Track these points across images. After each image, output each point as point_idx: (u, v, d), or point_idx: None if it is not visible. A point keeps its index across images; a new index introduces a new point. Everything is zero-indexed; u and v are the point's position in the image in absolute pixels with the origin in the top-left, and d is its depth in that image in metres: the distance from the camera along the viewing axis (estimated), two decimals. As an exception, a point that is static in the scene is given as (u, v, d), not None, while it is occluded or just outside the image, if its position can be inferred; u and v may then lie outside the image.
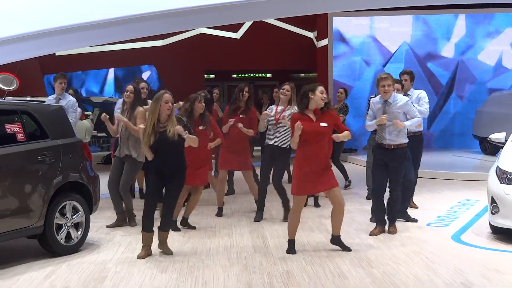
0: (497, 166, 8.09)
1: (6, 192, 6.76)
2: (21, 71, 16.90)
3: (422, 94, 9.34)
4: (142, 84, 9.80)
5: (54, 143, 7.46)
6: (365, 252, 7.34)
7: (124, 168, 8.88)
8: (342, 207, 7.30)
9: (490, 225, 8.11)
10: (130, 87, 8.92)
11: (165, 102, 7.06)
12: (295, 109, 8.58)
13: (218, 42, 21.43)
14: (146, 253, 7.25)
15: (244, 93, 9.78)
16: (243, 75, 23.57)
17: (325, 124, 7.12)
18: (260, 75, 24.07)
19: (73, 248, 7.45)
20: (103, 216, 9.58)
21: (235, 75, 23.50)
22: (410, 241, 7.83)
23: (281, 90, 9.25)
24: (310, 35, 21.97)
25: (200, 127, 8.56)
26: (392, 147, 8.08)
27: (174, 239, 8.13)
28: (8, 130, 7.11)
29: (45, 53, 7.03)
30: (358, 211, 9.67)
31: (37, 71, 19.96)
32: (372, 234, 8.14)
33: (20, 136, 7.15)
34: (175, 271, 6.66)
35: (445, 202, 10.47)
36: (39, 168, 7.15)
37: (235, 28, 21.46)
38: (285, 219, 8.99)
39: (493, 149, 15.99)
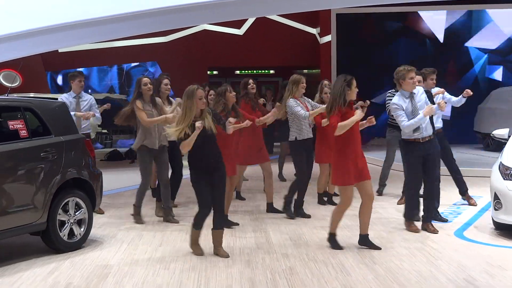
0: (500, 162, 8.08)
1: (9, 189, 6.77)
2: (24, 67, 16.91)
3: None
4: (166, 81, 9.47)
5: (57, 140, 7.47)
6: (368, 248, 7.33)
7: (160, 160, 8.87)
8: (372, 199, 7.30)
9: (493, 221, 8.10)
10: (147, 79, 8.82)
11: (199, 98, 7.00)
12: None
13: (221, 39, 21.43)
14: (200, 249, 7.20)
15: (252, 84, 9.60)
16: (246, 71, 23.57)
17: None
18: (263, 71, 24.07)
19: (76, 244, 7.46)
20: (106, 213, 9.60)
21: (238, 72, 23.50)
22: (413, 238, 7.82)
23: (302, 84, 9.02)
24: (313, 31, 21.95)
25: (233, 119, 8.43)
26: (428, 139, 7.98)
27: (176, 236, 8.14)
28: (11, 126, 7.12)
29: (48, 49, 7.04)
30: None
31: (40, 68, 19.98)
32: (413, 230, 8.09)
33: (23, 133, 7.15)
34: (177, 268, 6.66)
35: (448, 199, 10.44)
36: (42, 165, 7.15)
37: (238, 24, 21.46)
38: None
39: (495, 145, 15.96)
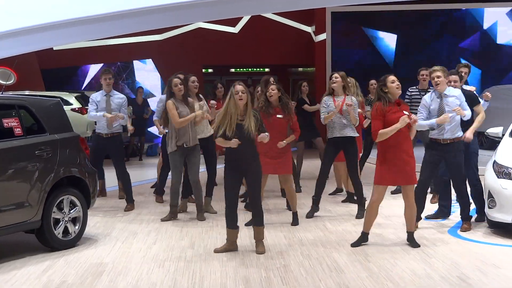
0: (494, 160, 8.10)
1: (4, 187, 6.77)
2: (18, 65, 16.84)
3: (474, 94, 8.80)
4: (193, 78, 9.43)
5: (51, 138, 7.46)
6: (362, 246, 7.35)
7: (192, 160, 8.88)
8: (410, 207, 7.32)
9: (487, 219, 8.12)
10: (177, 80, 8.83)
11: (236, 93, 7.03)
12: (353, 99, 8.88)
13: (216, 37, 21.40)
14: (225, 248, 7.21)
15: (273, 83, 9.23)
16: (241, 69, 23.54)
17: (406, 113, 7.12)
18: (258, 69, 24.05)
19: (71, 242, 7.46)
20: (100, 210, 9.59)
21: (233, 70, 23.47)
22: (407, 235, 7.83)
23: (331, 80, 8.96)
24: (308, 29, 21.95)
25: (278, 116, 8.40)
26: (449, 141, 7.89)
27: (171, 235, 8.14)
28: (5, 124, 7.11)
29: (43, 47, 7.01)
30: (356, 206, 9.64)
31: (35, 66, 19.92)
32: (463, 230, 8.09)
33: (18, 131, 7.15)
34: (172, 266, 6.67)
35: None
36: (37, 163, 7.15)
37: (233, 22, 21.42)
38: (358, 216, 8.84)
39: (489, 143, 15.98)
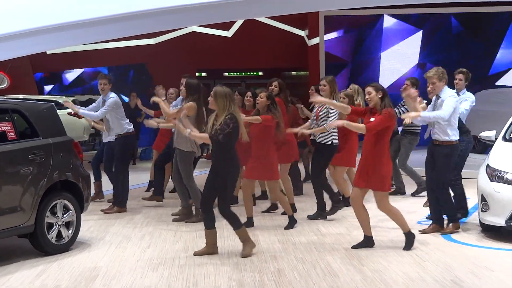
0: (487, 164, 8.13)
1: (-3, 191, 6.76)
2: (11, 69, 16.84)
3: (470, 97, 8.95)
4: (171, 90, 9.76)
5: (45, 142, 7.45)
6: (356, 250, 7.36)
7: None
8: (388, 213, 7.39)
9: (480, 222, 8.15)
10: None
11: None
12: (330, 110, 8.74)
13: (209, 40, 21.43)
14: (204, 251, 7.20)
15: (273, 87, 9.41)
16: (235, 73, 23.57)
17: (372, 119, 7.23)
18: (251, 73, 24.07)
19: (64, 247, 7.44)
20: (94, 215, 9.57)
21: (226, 73, 23.50)
22: (401, 239, 7.83)
23: (320, 86, 9.03)
24: (302, 33, 22.00)
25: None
26: (436, 143, 7.97)
27: (165, 239, 8.14)
28: (-2, 129, 7.11)
29: (37, 51, 7.02)
30: (350, 208, 9.64)
31: (28, 69, 19.90)
32: (422, 231, 8.14)
33: (11, 135, 7.14)
34: (166, 270, 6.66)
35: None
36: (30, 167, 7.14)
37: (226, 26, 21.46)
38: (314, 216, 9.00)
39: (482, 147, 16.03)
